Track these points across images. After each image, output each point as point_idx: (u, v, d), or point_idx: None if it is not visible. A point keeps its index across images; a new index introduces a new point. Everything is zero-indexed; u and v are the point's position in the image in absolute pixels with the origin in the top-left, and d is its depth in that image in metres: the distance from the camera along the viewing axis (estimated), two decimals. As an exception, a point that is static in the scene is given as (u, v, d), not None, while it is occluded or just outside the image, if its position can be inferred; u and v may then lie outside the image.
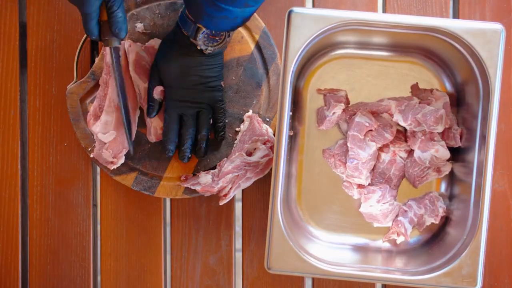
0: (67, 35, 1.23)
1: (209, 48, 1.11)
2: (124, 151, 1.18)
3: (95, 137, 1.17)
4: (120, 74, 1.13)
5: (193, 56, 1.13)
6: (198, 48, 1.11)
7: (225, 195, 1.17)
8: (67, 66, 1.23)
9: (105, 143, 1.16)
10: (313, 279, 1.23)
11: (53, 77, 1.23)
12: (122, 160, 1.18)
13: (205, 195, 1.18)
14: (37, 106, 1.23)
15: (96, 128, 1.15)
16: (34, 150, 1.24)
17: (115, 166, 1.18)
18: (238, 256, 1.24)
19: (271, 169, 1.17)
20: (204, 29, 1.07)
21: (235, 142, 1.19)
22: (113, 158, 1.17)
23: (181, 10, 1.16)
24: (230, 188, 1.17)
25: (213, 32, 1.08)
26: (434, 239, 1.17)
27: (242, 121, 1.19)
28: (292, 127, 1.16)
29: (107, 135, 1.15)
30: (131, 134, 1.16)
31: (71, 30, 1.23)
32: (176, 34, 1.13)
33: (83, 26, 1.05)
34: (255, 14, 1.13)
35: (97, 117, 1.16)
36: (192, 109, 1.16)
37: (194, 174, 1.19)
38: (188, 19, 1.08)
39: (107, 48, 1.12)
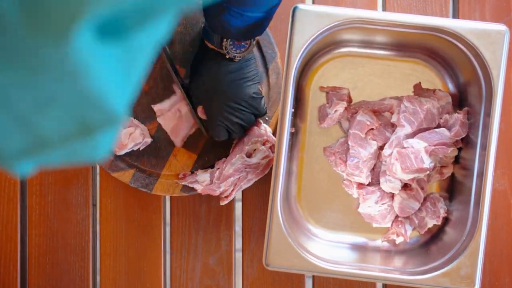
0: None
1: (237, 55, 1.09)
2: None
3: None
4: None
5: (224, 66, 1.10)
6: (227, 57, 1.08)
7: (226, 196, 1.16)
8: (66, 65, 1.22)
9: None
10: (313, 279, 1.23)
11: (52, 75, 1.22)
12: None
13: (203, 194, 1.18)
14: (36, 105, 1.22)
15: None
16: (33, 149, 1.22)
17: None
18: (238, 256, 1.24)
19: (271, 168, 1.17)
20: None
21: (233, 142, 1.18)
22: None
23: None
24: (232, 190, 1.16)
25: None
26: (433, 239, 1.17)
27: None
28: (293, 124, 1.16)
29: None
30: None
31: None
32: (202, 49, 1.11)
33: None
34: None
35: None
36: (234, 121, 1.13)
37: (192, 172, 1.18)
38: (210, 30, 1.06)
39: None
